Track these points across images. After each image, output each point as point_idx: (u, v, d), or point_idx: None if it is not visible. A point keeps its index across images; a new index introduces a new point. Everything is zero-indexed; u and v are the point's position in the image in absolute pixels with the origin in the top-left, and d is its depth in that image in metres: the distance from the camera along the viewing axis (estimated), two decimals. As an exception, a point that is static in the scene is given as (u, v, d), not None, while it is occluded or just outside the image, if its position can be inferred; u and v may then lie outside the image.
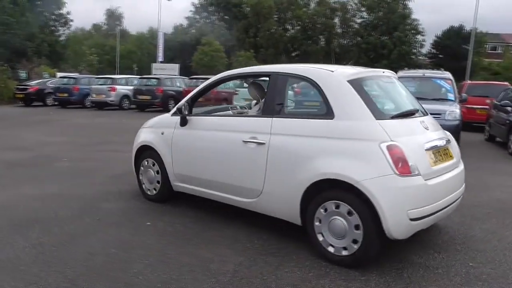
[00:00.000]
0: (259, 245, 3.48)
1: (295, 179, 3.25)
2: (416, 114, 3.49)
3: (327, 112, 3.21)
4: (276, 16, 55.18)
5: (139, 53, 48.11)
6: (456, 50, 47.52)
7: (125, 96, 18.49)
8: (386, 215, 2.83)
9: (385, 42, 48.49)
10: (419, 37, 49.95)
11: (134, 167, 4.84)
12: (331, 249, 3.13)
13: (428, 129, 3.39)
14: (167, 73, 28.59)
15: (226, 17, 53.11)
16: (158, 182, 4.52)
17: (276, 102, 3.52)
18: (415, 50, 49.78)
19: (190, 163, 4.10)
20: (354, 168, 2.95)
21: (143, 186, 4.71)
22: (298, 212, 3.29)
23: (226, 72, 4.21)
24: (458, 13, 72.30)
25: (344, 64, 51.45)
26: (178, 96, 17.79)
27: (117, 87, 18.33)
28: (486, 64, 44.97)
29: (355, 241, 2.99)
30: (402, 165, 2.88)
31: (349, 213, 3.00)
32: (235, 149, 3.66)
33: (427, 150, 3.15)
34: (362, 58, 49.47)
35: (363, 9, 53.51)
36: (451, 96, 9.38)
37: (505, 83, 14.65)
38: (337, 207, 3.07)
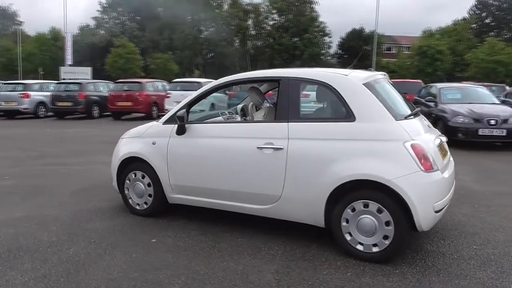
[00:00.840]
0: (282, 251, 3.46)
1: (319, 182, 3.29)
2: (417, 114, 3.76)
3: (347, 115, 3.31)
4: (189, 17, 54.62)
5: (41, 55, 44.12)
6: (359, 50, 51.50)
7: (41, 103, 16.87)
8: (418, 210, 3.01)
9: (297, 44, 50.70)
10: (327, 38, 53.17)
11: (116, 181, 4.48)
12: (360, 247, 3.23)
13: (429, 127, 3.68)
14: (77, 77, 26.75)
15: (137, 17, 51.13)
16: (150, 195, 4.24)
17: (290, 107, 3.52)
18: (323, 51, 52.81)
19: (193, 173, 3.91)
20: (383, 167, 3.09)
21: (130, 201, 4.39)
22: (322, 214, 3.34)
23: (231, 76, 4.06)
24: (358, 15, 78.36)
25: (261, 64, 52.71)
26: (103, 101, 16.76)
27: (31, 93, 16.63)
28: (384, 63, 49.51)
29: (385, 237, 3.14)
30: (425, 162, 3.09)
31: (379, 210, 3.14)
32: (249, 155, 3.59)
33: (437, 146, 3.41)
34: (276, 59, 51.13)
35: (274, 11, 55.29)
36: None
37: (418, 80, 16.31)
38: (366, 206, 3.18)
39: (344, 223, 3.28)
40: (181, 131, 3.96)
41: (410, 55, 45.53)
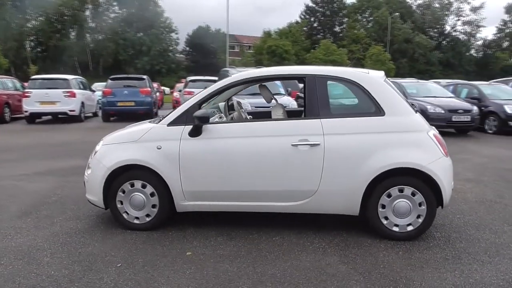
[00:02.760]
0: (324, 243, 3.57)
1: (358, 173, 3.52)
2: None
3: (376, 110, 3.61)
4: (10, 2, 47.22)
5: None
6: (206, 48, 52.79)
7: None
8: (446, 189, 3.53)
9: (143, 39, 48.90)
10: (174, 35, 52.76)
11: (102, 195, 3.82)
12: (395, 229, 3.60)
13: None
14: None
15: None
16: (153, 206, 3.79)
17: (320, 104, 3.64)
18: (171, 48, 52.25)
19: (216, 176, 3.65)
20: (417, 155, 3.50)
21: (125, 215, 3.83)
22: (359, 203, 3.58)
23: (251, 72, 3.86)
24: (200, 13, 79.85)
25: (104, 60, 48.94)
26: None
27: None
28: (230, 61, 51.99)
29: (418, 216, 3.57)
30: (444, 148, 3.63)
31: (413, 194, 3.55)
32: (283, 153, 3.56)
33: (438, 135, 4.01)
34: (121, 55, 48.38)
35: (114, 3, 52.07)
36: (282, 90, 10.89)
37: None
38: (401, 191, 3.56)
39: (380, 209, 3.59)
40: (197, 132, 3.66)
41: (254, 54, 48.62)
